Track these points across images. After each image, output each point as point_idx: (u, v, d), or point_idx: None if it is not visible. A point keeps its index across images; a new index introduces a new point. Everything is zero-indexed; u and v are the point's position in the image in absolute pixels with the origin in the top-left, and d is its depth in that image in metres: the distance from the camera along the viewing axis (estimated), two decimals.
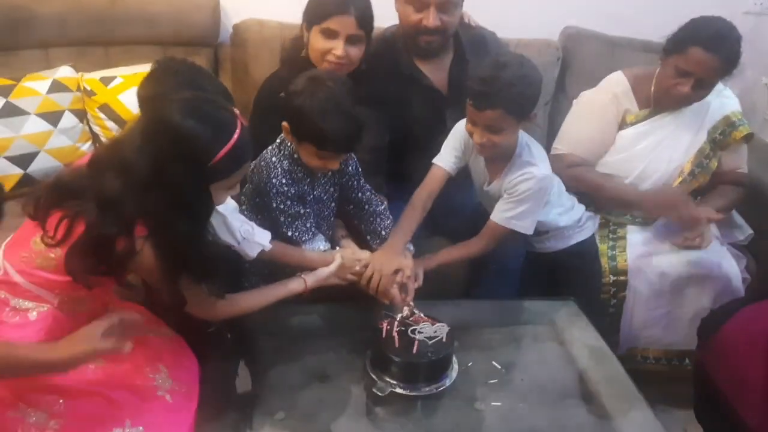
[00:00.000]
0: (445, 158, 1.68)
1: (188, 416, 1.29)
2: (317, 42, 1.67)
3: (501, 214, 1.61)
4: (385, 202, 1.72)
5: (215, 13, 2.27)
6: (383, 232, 1.66)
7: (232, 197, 1.40)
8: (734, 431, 1.48)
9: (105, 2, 2.17)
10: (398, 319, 1.43)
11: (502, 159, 1.61)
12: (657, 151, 1.89)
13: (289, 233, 1.53)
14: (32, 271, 1.18)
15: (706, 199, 1.94)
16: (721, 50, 1.71)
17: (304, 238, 1.53)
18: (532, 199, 1.59)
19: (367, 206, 1.67)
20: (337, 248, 1.59)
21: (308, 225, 1.54)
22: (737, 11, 2.43)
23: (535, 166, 1.58)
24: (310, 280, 1.47)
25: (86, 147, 2.06)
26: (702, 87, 1.78)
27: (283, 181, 1.49)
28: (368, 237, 1.68)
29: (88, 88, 2.06)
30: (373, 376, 1.36)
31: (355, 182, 1.64)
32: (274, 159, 1.50)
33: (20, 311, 1.19)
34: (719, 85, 1.86)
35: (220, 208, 1.35)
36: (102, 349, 1.09)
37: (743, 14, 2.50)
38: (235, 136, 1.16)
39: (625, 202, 1.92)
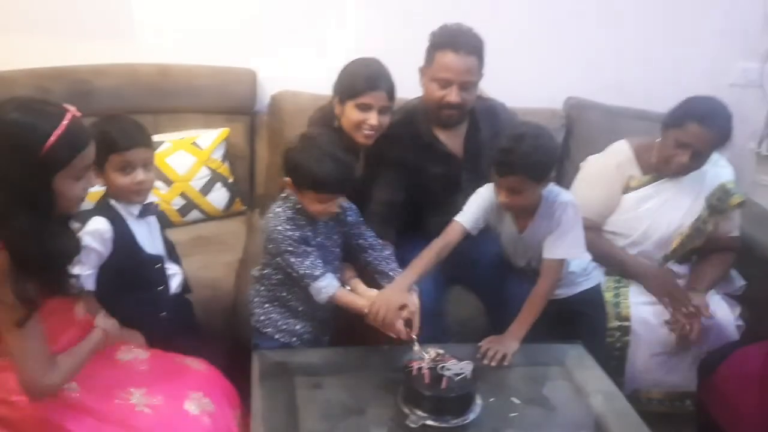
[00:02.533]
0: (467, 217, 1.80)
1: None
2: (353, 114, 1.83)
3: (555, 250, 1.77)
4: (391, 248, 1.84)
5: (253, 85, 2.49)
6: (390, 273, 1.76)
7: None
8: None
9: (156, 75, 2.39)
10: (426, 358, 1.54)
11: (528, 211, 1.79)
12: (658, 213, 2.03)
13: (301, 271, 1.65)
14: None
15: (703, 270, 2.04)
16: (715, 125, 1.89)
17: (316, 274, 1.65)
18: (574, 221, 1.77)
19: (371, 250, 1.80)
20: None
21: (317, 262, 1.66)
22: (724, 83, 2.64)
23: (560, 197, 1.77)
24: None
25: None
26: (698, 158, 1.94)
27: (287, 226, 1.66)
28: (376, 276, 1.78)
29: None
30: (406, 410, 1.47)
31: (356, 230, 1.80)
32: (278, 209, 1.69)
33: None
34: (715, 156, 2.03)
35: None
36: None
37: (729, 86, 2.68)
38: (64, 123, 1.23)
39: (628, 272, 2.05)
